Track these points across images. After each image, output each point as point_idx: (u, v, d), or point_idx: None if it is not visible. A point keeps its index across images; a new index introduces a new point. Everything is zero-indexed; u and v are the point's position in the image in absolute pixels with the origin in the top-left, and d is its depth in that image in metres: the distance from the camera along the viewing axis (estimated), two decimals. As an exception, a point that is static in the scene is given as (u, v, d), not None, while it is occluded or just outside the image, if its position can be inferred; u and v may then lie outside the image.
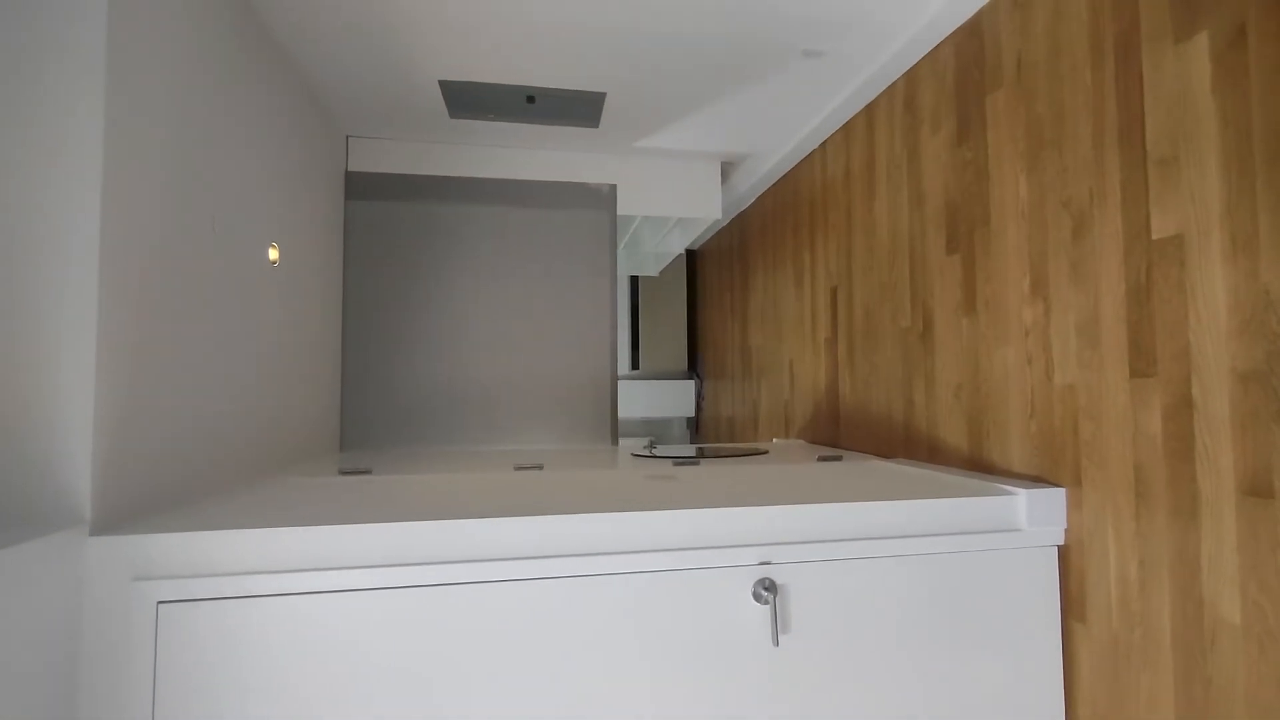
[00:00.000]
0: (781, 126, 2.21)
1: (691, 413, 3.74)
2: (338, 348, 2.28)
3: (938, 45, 1.58)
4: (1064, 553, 1.20)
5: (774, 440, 2.51)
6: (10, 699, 0.79)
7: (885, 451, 1.80)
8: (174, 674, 0.94)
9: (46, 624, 0.85)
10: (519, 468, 1.62)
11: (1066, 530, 1.19)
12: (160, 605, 0.96)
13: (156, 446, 1.12)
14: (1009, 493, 1.19)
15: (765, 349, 2.79)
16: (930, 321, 1.60)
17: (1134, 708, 1.08)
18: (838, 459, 1.75)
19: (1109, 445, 1.11)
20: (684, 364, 3.91)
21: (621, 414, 3.61)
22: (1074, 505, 1.19)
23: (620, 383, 3.61)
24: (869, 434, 1.90)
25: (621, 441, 2.52)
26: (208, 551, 0.96)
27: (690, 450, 2.13)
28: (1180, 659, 1.00)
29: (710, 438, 3.57)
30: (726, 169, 2.78)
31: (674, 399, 3.69)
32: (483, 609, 1.00)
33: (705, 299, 3.81)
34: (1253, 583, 0.90)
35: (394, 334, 2.37)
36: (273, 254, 1.59)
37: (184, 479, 1.20)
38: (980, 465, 1.42)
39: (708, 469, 1.60)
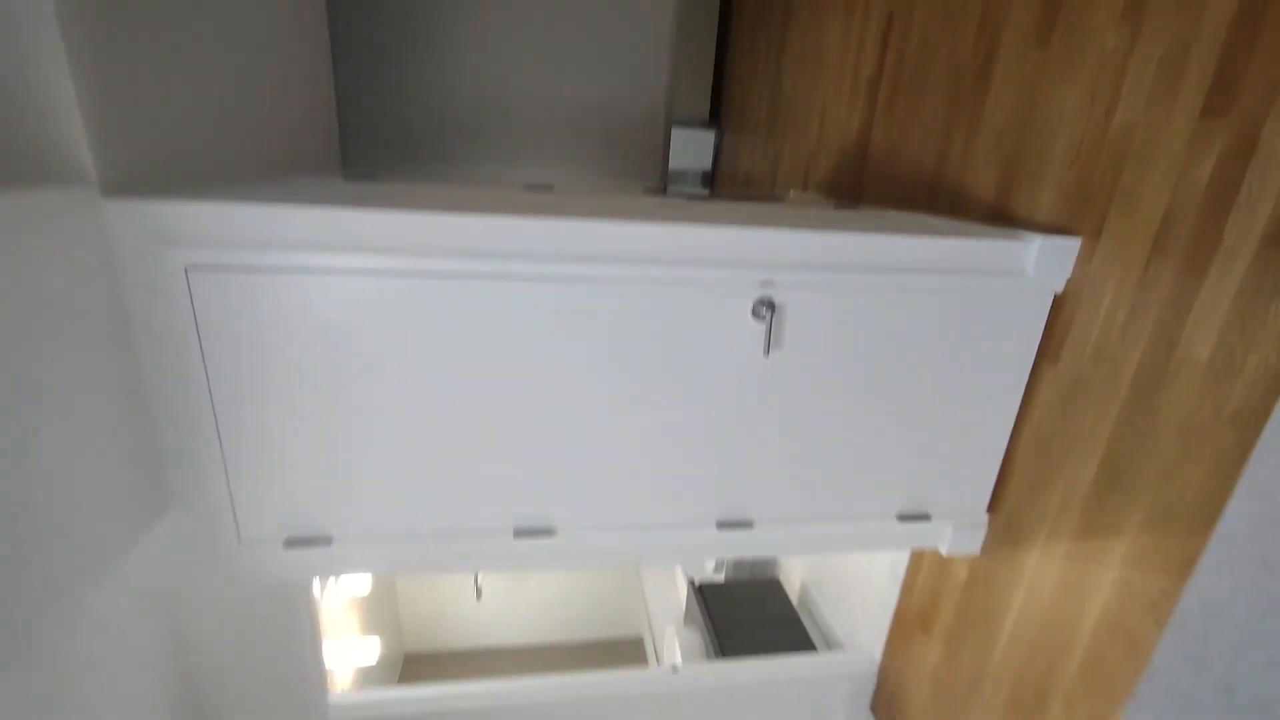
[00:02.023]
0: None
1: (708, 166, 3.56)
2: (327, 53, 2.06)
3: None
4: (1058, 301, 1.23)
5: (790, 193, 2.43)
6: (60, 350, 0.86)
7: (906, 206, 1.75)
8: (215, 342, 1.02)
9: (78, 283, 0.90)
10: (529, 187, 1.59)
11: (1069, 280, 1.21)
12: (190, 272, 1.01)
13: (151, 116, 1.06)
14: (1021, 239, 1.18)
15: (796, 95, 2.54)
16: (993, 54, 1.42)
17: (1074, 431, 1.21)
18: (853, 208, 1.71)
19: (1146, 193, 1.06)
20: (705, 113, 3.60)
21: (634, 162, 3.43)
22: (1084, 257, 1.18)
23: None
24: (893, 188, 1.83)
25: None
26: (235, 222, 0.96)
27: (703, 191, 2.06)
28: (1133, 391, 1.09)
29: (724, 192, 3.46)
30: None
31: (690, 150, 3.48)
32: (495, 305, 1.05)
33: (737, 41, 3.36)
34: (1236, 329, 0.94)
35: (396, 41, 2.12)
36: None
37: (187, 158, 1.17)
38: (1002, 218, 1.38)
39: (721, 204, 1.57)
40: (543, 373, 1.11)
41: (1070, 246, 1.18)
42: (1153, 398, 1.06)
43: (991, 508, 1.42)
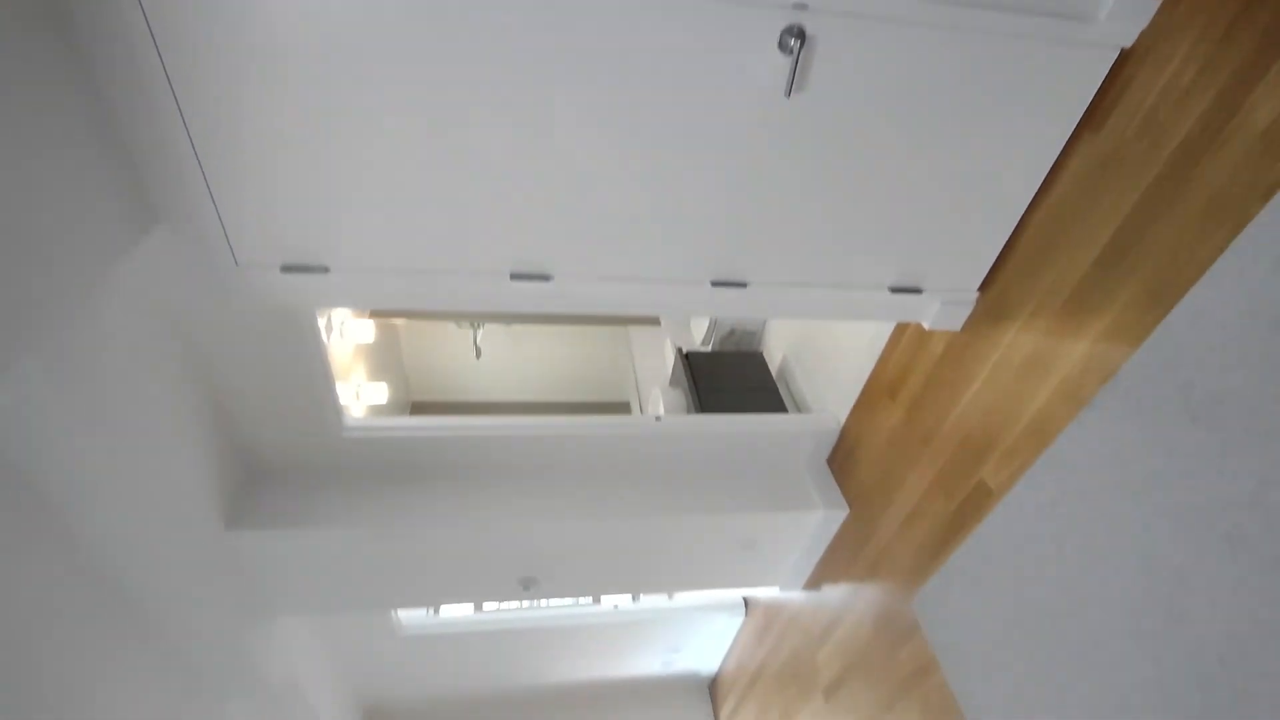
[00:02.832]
0: None
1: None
2: None
3: None
4: (1123, 57, 1.09)
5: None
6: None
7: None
8: (171, 39, 0.89)
9: None
10: None
11: (1142, 32, 1.06)
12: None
13: None
14: (1109, -28, 1.00)
15: None
16: None
17: (1092, 207, 1.17)
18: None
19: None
20: None
21: None
22: (1168, 6, 1.02)
23: None
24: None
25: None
26: None
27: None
28: (1170, 165, 1.03)
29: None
30: None
31: None
32: (502, 21, 0.91)
33: None
34: (1310, 91, 0.84)
35: None
36: None
37: None
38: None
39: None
40: (545, 102, 1.01)
41: (1155, -12, 1.01)
42: (1190, 169, 1.00)
43: (983, 286, 1.44)
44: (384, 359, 3.88)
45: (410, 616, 2.83)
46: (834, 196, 1.20)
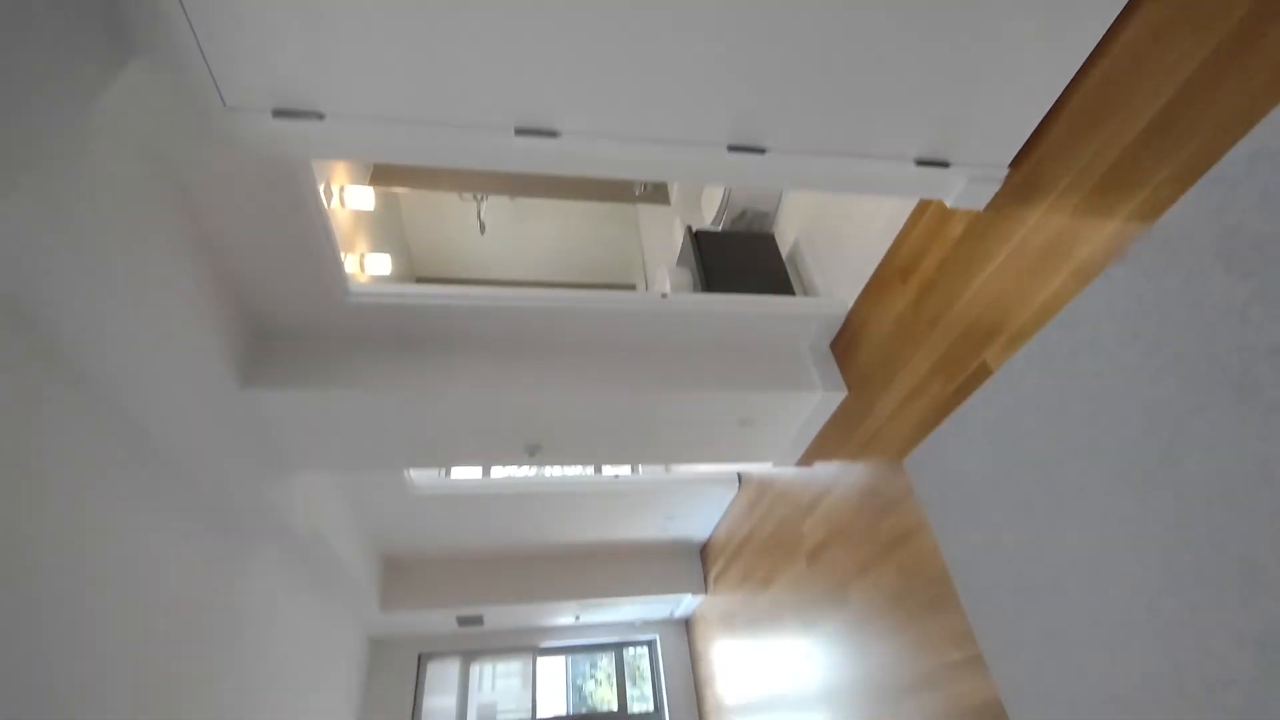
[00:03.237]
0: None
1: None
2: None
3: None
4: (1218, -114, 0.95)
5: None
6: None
7: None
8: None
9: None
10: None
11: None
12: None
13: None
14: None
15: None
16: None
17: (1147, 71, 1.07)
18: None
19: None
20: None
21: None
22: None
23: None
24: None
25: None
26: None
27: None
28: (1240, 24, 0.93)
29: None
30: None
31: None
32: None
33: None
34: None
35: None
36: None
37: None
38: None
39: None
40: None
41: None
42: (1262, 35, 0.91)
43: (1015, 161, 1.36)
44: (386, 233, 3.81)
45: (422, 477, 2.99)
46: (863, 43, 1.10)
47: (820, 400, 2.10)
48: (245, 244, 1.55)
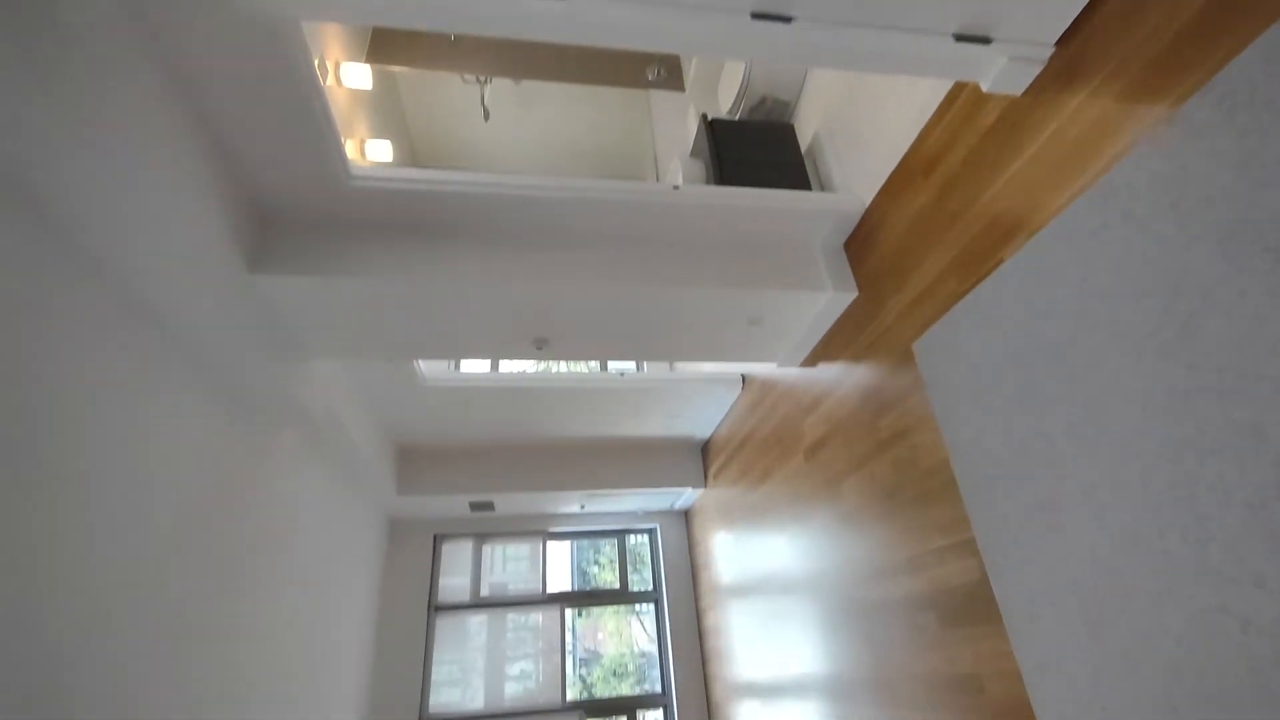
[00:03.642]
0: None
1: None
2: None
3: None
4: None
5: None
6: None
7: None
8: None
9: None
10: None
11: None
12: None
13: None
14: None
15: None
16: None
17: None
18: None
19: None
20: None
21: None
22: None
23: None
24: None
25: None
26: None
27: None
28: None
29: None
30: None
31: None
32: None
33: None
34: None
35: None
36: None
37: None
38: None
39: None
40: None
41: None
42: None
43: (1062, 39, 1.25)
44: (386, 119, 3.63)
45: (432, 370, 3.05)
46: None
47: (829, 300, 2.08)
48: (241, 118, 1.48)
